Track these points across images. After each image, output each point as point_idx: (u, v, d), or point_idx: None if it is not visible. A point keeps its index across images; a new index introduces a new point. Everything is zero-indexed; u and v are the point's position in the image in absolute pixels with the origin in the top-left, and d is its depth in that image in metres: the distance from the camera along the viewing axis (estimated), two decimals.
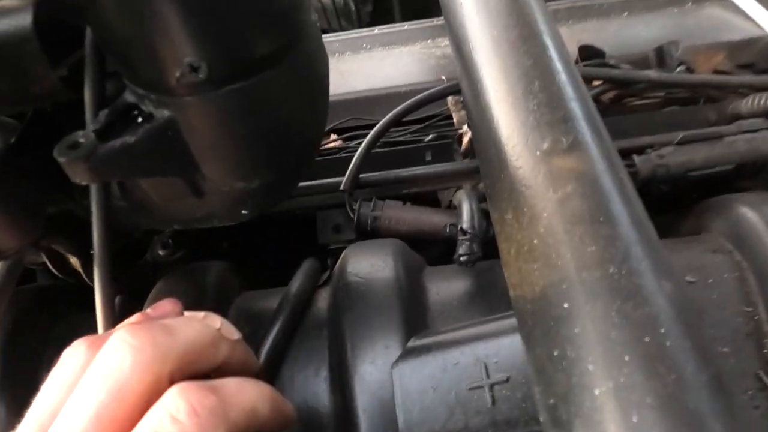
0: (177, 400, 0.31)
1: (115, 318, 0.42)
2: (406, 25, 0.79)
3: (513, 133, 0.37)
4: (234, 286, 0.52)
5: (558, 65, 0.40)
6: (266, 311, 0.49)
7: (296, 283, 0.48)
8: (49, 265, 0.48)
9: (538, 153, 0.35)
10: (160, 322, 0.35)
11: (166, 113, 0.36)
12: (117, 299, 0.56)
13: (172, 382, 0.33)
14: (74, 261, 0.47)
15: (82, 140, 0.35)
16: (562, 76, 0.39)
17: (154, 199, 0.41)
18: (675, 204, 0.57)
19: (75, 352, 0.36)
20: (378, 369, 0.40)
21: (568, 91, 0.38)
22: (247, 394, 0.34)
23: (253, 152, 0.38)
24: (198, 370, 0.35)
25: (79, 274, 0.48)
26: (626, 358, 0.25)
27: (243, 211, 0.42)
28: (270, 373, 0.44)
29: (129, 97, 0.38)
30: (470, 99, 0.42)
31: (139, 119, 0.37)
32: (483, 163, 0.40)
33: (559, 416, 0.27)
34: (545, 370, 0.28)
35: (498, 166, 0.37)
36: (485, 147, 0.39)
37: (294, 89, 0.37)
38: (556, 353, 0.28)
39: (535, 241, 0.32)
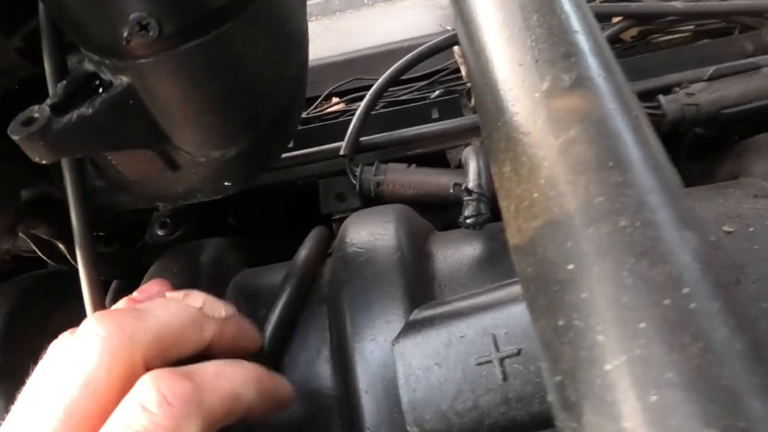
0: (147, 389, 0.28)
1: (103, 301, 0.39)
2: None
3: (509, 75, 0.32)
4: (232, 263, 0.50)
5: None
6: (266, 288, 0.46)
7: (303, 252, 0.45)
8: (38, 252, 0.46)
9: (537, 94, 0.30)
10: (131, 307, 0.33)
11: (124, 80, 0.33)
12: (114, 284, 0.54)
13: (149, 369, 0.31)
14: (61, 246, 0.45)
15: (36, 115, 0.33)
16: (565, 7, 0.34)
17: (128, 176, 0.38)
18: (712, 148, 0.51)
19: (60, 345, 0.35)
20: (379, 346, 0.37)
21: (572, 22, 0.33)
22: (227, 378, 0.31)
23: (223, 117, 0.34)
24: (180, 354, 0.33)
25: (69, 259, 0.46)
26: (642, 325, 0.21)
27: (226, 183, 0.39)
28: (276, 353, 0.41)
29: (87, 66, 0.35)
30: (465, 42, 0.38)
31: (100, 89, 0.34)
32: (481, 113, 0.35)
33: (567, 396, 0.23)
34: (551, 342, 0.25)
35: (495, 114, 0.33)
36: (482, 94, 0.34)
37: (260, 42, 0.33)
38: (561, 323, 0.24)
39: (535, 195, 0.28)
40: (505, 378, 0.33)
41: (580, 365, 0.22)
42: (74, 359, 0.29)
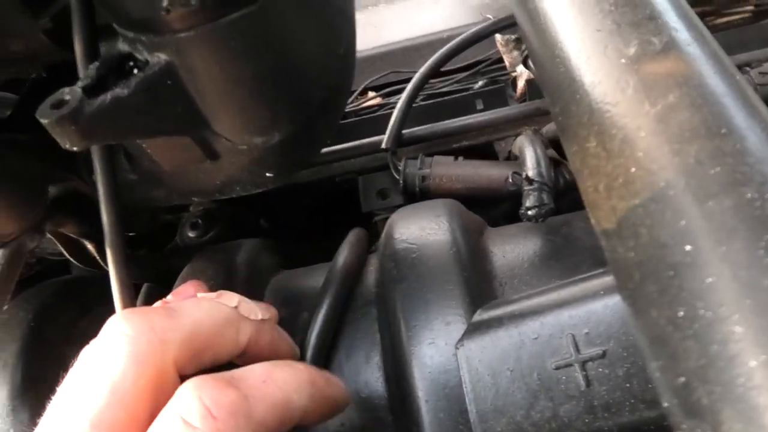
0: (189, 400, 0.25)
1: (134, 305, 0.36)
2: None
3: (586, 43, 0.29)
4: (269, 264, 0.46)
5: None
6: (306, 291, 0.43)
7: (342, 255, 0.41)
8: (66, 254, 0.44)
9: (623, 60, 0.27)
10: (162, 306, 0.30)
11: (162, 58, 0.30)
12: (144, 287, 0.51)
13: (182, 374, 0.28)
14: (90, 247, 0.42)
15: (67, 97, 0.30)
16: None
17: (164, 166, 0.35)
18: None
19: (89, 351, 0.32)
20: (439, 350, 0.33)
21: None
22: (277, 383, 0.28)
23: (268, 98, 0.31)
24: (215, 359, 0.30)
25: (98, 261, 0.43)
26: None
27: (268, 174, 0.36)
28: (321, 359, 0.38)
29: (122, 46, 0.32)
30: (524, 16, 0.35)
31: (135, 71, 0.32)
32: (550, 88, 0.32)
33: (696, 400, 0.19)
34: (667, 337, 0.21)
35: (571, 86, 0.29)
36: (551, 68, 0.31)
37: (307, 15, 0.30)
38: (681, 313, 0.20)
39: (633, 170, 0.24)
40: (588, 384, 0.29)
41: (714, 363, 0.19)
42: (100, 364, 0.26)
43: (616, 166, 0.25)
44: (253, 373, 0.28)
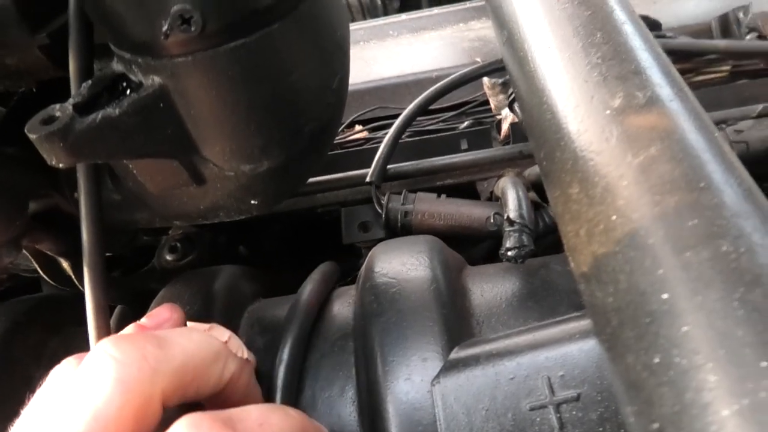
0: None
1: (109, 328, 0.36)
2: (436, 10, 0.72)
3: (574, 92, 0.30)
4: (247, 292, 0.46)
5: (621, 15, 0.33)
6: (283, 320, 0.43)
7: (307, 287, 0.42)
8: (39, 271, 0.43)
9: (608, 112, 0.28)
10: (153, 332, 0.29)
11: (156, 81, 0.31)
12: (118, 309, 0.50)
13: (165, 406, 0.27)
14: (66, 265, 0.41)
15: (57, 114, 0.30)
16: (628, 26, 0.32)
17: (149, 188, 0.35)
18: (760, 187, 0.49)
19: (63, 371, 0.31)
20: (415, 386, 0.33)
21: (637, 41, 0.31)
22: (272, 427, 0.27)
23: (260, 126, 0.32)
24: (198, 392, 0.29)
25: (72, 280, 0.43)
26: (764, 364, 0.18)
27: (252, 201, 0.36)
28: (290, 394, 0.37)
29: (116, 66, 0.33)
30: (514, 62, 0.36)
31: (128, 91, 0.32)
32: (536, 133, 0.33)
33: None
34: (642, 383, 0.21)
35: (556, 132, 0.30)
36: (538, 113, 0.32)
37: (306, 47, 0.31)
38: (656, 360, 0.21)
39: (613, 218, 0.25)
40: (561, 426, 0.29)
41: (687, 410, 0.19)
42: (84, 387, 0.25)
43: (597, 212, 0.26)
44: (250, 415, 0.27)
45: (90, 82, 0.31)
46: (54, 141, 0.29)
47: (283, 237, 0.58)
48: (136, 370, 0.26)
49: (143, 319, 0.35)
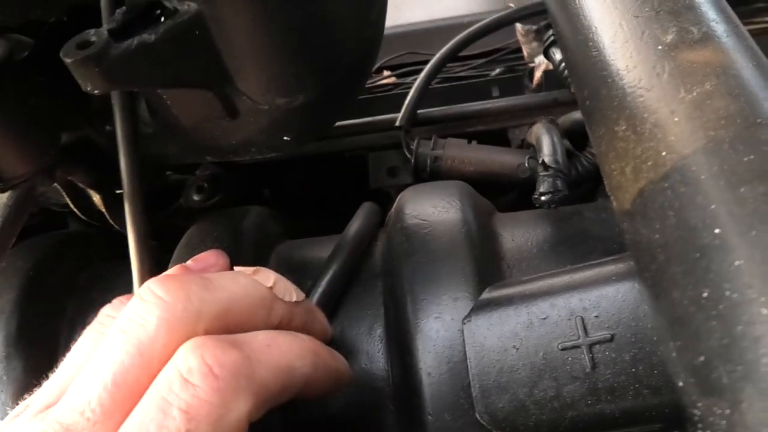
0: (190, 358, 0.25)
1: (152, 264, 0.36)
2: None
3: (623, 28, 0.29)
4: (275, 233, 0.46)
5: None
6: (311, 260, 0.43)
7: (354, 225, 0.41)
8: (71, 206, 0.43)
9: (659, 47, 0.27)
10: (200, 275, 0.29)
11: (192, 6, 0.30)
12: None
13: None
14: (97, 199, 0.42)
15: (93, 38, 0.29)
16: None
17: (182, 120, 0.35)
18: None
19: (111, 309, 0.31)
20: (445, 325, 0.33)
21: None
22: (280, 348, 0.28)
23: (296, 56, 0.31)
24: None
25: (104, 216, 0.43)
26: None
27: (285, 138, 0.36)
28: None
29: None
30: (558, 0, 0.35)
31: (163, 18, 0.31)
32: (579, 72, 0.32)
33: (716, 378, 0.19)
34: (689, 317, 0.21)
35: (603, 69, 0.29)
36: (583, 52, 0.31)
37: None
38: (706, 294, 0.20)
39: (663, 153, 0.24)
40: (594, 366, 0.29)
41: (737, 342, 0.19)
42: (129, 322, 0.26)
43: (645, 149, 0.25)
44: (257, 337, 0.28)
45: (125, 8, 0.31)
46: (89, 66, 0.29)
47: (308, 181, 0.58)
48: (180, 310, 0.26)
49: (189, 262, 0.35)
